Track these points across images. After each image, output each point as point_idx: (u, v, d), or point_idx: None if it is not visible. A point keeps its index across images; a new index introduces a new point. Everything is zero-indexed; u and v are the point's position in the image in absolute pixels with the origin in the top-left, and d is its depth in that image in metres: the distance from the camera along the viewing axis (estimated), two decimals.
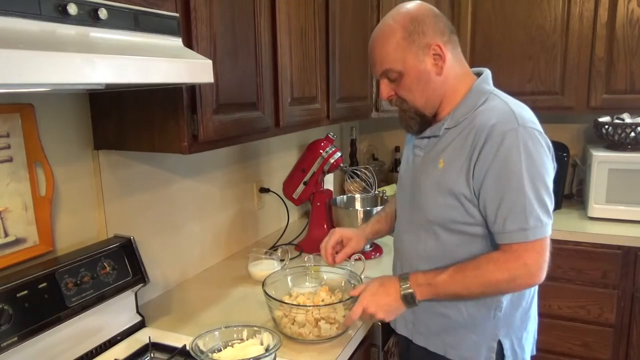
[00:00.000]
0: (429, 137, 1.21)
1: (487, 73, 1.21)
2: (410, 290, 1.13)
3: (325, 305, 1.27)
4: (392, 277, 1.21)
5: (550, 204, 1.08)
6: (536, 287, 1.23)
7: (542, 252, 1.07)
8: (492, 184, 1.07)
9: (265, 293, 1.28)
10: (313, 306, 1.26)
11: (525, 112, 1.10)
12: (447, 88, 1.16)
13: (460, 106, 1.15)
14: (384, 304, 1.16)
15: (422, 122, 1.19)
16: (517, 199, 1.05)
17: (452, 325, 1.20)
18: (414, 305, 1.15)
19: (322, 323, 1.23)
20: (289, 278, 1.46)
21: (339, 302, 1.29)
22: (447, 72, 1.14)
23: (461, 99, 1.16)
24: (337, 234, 1.43)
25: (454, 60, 1.16)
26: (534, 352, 1.27)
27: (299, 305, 1.28)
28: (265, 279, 1.35)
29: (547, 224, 1.07)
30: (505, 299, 1.16)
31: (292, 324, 1.25)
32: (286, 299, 1.35)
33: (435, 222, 1.17)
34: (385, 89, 1.17)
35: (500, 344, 1.17)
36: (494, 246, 1.12)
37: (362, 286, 1.23)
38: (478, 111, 1.12)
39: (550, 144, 1.11)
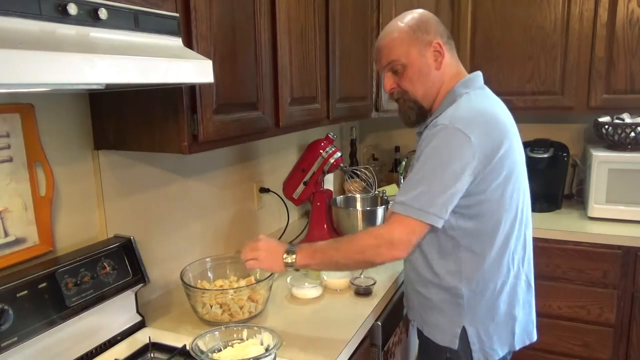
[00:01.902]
0: (419, 134, 1.34)
1: (473, 75, 1.30)
2: (293, 248, 1.26)
3: (218, 290, 1.38)
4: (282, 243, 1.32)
5: (444, 202, 1.14)
6: (512, 283, 1.27)
7: (410, 232, 1.16)
8: (413, 166, 1.22)
9: (183, 282, 1.35)
10: (204, 289, 1.38)
11: (467, 117, 1.17)
12: (442, 84, 1.28)
13: (439, 108, 1.28)
14: (269, 255, 1.27)
15: (420, 112, 1.32)
16: (411, 177, 1.19)
17: (427, 305, 1.32)
18: (293, 266, 1.25)
19: (215, 307, 1.33)
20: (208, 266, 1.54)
21: (230, 289, 1.38)
22: (444, 68, 1.28)
23: (440, 101, 1.29)
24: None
25: (450, 60, 1.29)
26: (515, 348, 1.31)
27: (198, 287, 1.39)
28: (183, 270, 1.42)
29: (428, 214, 1.14)
30: (465, 289, 1.24)
31: (202, 307, 1.34)
32: (206, 285, 1.45)
33: None
34: (389, 81, 1.30)
35: (464, 330, 1.25)
36: (449, 237, 1.23)
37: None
38: (445, 112, 1.23)
39: (496, 153, 1.16)
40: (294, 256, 1.23)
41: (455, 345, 1.26)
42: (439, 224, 1.15)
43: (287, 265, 1.24)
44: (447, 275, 1.25)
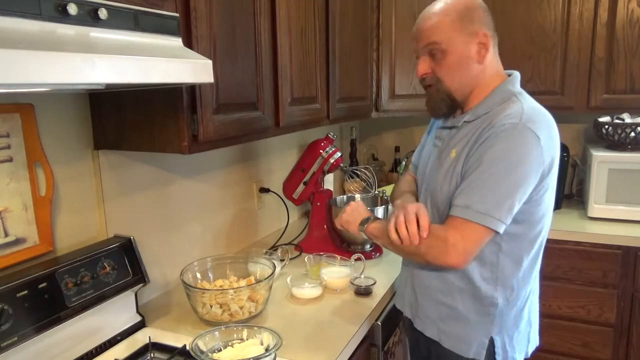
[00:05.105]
0: (449, 128, 1.25)
1: (516, 75, 1.24)
2: (371, 217, 1.31)
3: (218, 290, 1.38)
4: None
5: (509, 207, 1.07)
6: (534, 289, 1.26)
7: (469, 240, 1.08)
8: (472, 161, 1.11)
9: (183, 282, 1.34)
10: (203, 289, 1.37)
11: (536, 117, 1.11)
12: (481, 80, 1.19)
13: (483, 102, 1.19)
14: (352, 216, 1.36)
15: (452, 105, 1.22)
16: (478, 178, 1.08)
17: (448, 315, 1.23)
18: (362, 230, 1.30)
19: (215, 307, 1.32)
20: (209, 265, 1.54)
21: (230, 289, 1.37)
22: (486, 63, 1.18)
23: (486, 96, 1.19)
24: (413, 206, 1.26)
25: (493, 56, 1.20)
26: (528, 355, 1.28)
27: (197, 287, 1.39)
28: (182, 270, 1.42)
29: (493, 219, 1.06)
30: (501, 297, 1.18)
31: (202, 307, 1.33)
32: (207, 285, 1.45)
33: (446, 209, 1.18)
34: (423, 64, 1.19)
35: (492, 341, 1.20)
36: (492, 241, 1.14)
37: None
38: (497, 109, 1.15)
39: (554, 158, 1.14)
40: (368, 223, 1.28)
41: (482, 356, 1.20)
42: (502, 230, 1.08)
43: (360, 229, 1.30)
44: (482, 283, 1.18)
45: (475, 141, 1.13)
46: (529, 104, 1.15)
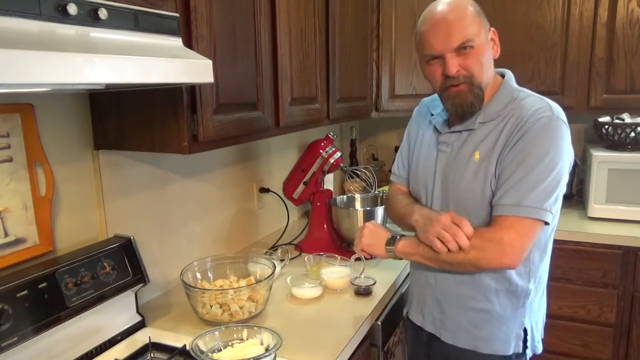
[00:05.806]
0: (459, 132, 1.22)
1: (510, 73, 1.26)
2: (396, 235, 1.25)
3: (218, 290, 1.38)
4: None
5: (556, 197, 1.10)
6: (546, 269, 1.26)
7: (525, 237, 1.08)
8: (511, 158, 1.11)
9: (183, 282, 1.34)
10: (203, 289, 1.37)
11: (554, 106, 1.15)
12: (493, 75, 1.21)
13: (493, 102, 1.19)
14: (374, 239, 1.28)
15: (482, 102, 1.18)
16: (526, 176, 1.08)
17: (483, 319, 1.22)
18: (391, 251, 1.23)
19: (215, 307, 1.32)
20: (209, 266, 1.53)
21: (230, 289, 1.37)
22: (494, 59, 1.19)
23: (493, 95, 1.20)
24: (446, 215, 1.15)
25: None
26: (543, 335, 1.31)
27: (197, 287, 1.39)
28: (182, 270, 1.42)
29: (543, 211, 1.08)
30: (532, 288, 1.20)
31: (202, 307, 1.33)
32: (207, 285, 1.45)
33: (479, 214, 1.17)
34: (454, 62, 1.12)
35: (525, 330, 1.22)
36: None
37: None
38: (515, 105, 1.16)
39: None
40: (395, 242, 1.22)
41: (520, 348, 1.21)
42: (550, 220, 1.10)
43: (387, 250, 1.23)
44: (518, 279, 1.18)
45: (507, 139, 1.13)
46: (542, 97, 1.18)
